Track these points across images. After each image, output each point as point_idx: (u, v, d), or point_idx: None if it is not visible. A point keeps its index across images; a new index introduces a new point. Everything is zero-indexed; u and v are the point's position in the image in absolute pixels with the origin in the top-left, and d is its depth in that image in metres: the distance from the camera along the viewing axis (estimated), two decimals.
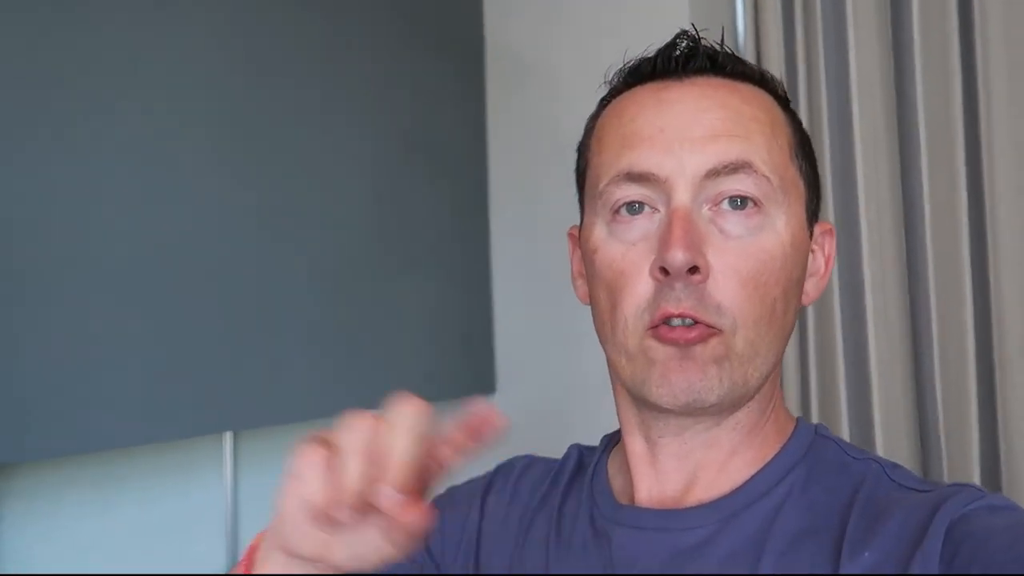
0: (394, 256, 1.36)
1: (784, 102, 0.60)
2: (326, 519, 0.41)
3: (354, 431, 0.41)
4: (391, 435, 0.41)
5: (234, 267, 1.11)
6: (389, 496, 0.40)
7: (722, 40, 0.58)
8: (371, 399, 1.37)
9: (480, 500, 0.67)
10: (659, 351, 0.52)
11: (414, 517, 0.40)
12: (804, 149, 0.59)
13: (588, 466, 0.66)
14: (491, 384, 1.56)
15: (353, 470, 0.40)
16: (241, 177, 1.14)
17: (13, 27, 0.91)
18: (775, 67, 1.40)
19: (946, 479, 1.27)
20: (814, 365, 1.38)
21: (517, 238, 1.59)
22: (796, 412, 1.40)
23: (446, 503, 0.68)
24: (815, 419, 1.38)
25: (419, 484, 0.42)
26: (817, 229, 0.60)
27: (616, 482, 0.63)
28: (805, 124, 1.35)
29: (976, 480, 1.24)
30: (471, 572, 0.64)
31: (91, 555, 1.16)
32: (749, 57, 1.44)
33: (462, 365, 1.50)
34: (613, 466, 0.64)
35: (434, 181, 1.45)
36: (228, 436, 1.32)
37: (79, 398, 0.93)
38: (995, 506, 0.48)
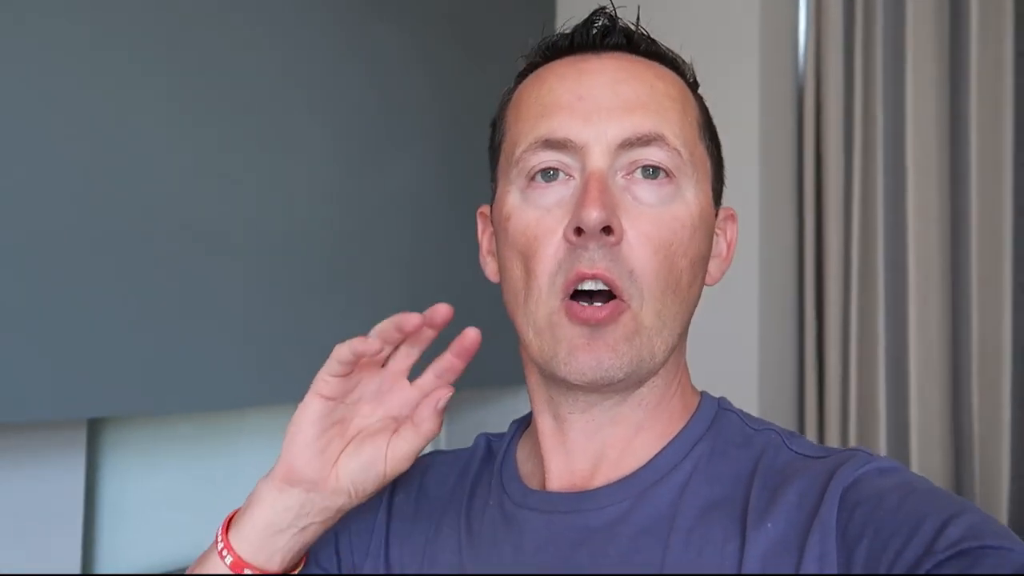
0: (432, 245, 1.40)
1: (693, 86, 0.61)
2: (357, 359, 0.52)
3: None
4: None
5: (297, 250, 1.20)
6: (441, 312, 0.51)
7: (637, 20, 0.60)
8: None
9: (387, 500, 0.66)
10: (567, 329, 0.53)
11: (471, 338, 0.52)
12: (710, 131, 0.60)
13: (497, 454, 0.65)
14: (520, 374, 1.60)
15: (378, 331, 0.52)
16: (302, 157, 1.23)
17: None
18: (833, 92, 1.45)
19: (977, 488, 1.32)
20: (855, 370, 1.44)
21: None
22: (836, 417, 1.46)
23: (354, 508, 0.67)
24: (853, 425, 1.43)
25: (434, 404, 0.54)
26: (721, 213, 0.61)
27: (525, 468, 0.62)
28: (859, 141, 1.42)
29: (1004, 491, 1.28)
30: (382, 573, 0.63)
31: (183, 506, 1.29)
32: (810, 78, 1.49)
33: (491, 353, 1.52)
34: (522, 452, 0.64)
35: (470, 179, 1.47)
36: None
37: (181, 364, 1.04)
38: (884, 468, 0.50)
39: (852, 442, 1.43)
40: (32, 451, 1.03)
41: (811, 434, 1.50)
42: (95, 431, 1.17)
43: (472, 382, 1.52)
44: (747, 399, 1.44)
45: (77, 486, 1.06)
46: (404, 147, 1.35)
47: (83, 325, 0.93)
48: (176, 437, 1.30)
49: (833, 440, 1.45)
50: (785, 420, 1.53)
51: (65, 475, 1.05)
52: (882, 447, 1.40)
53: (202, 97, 1.06)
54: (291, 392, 1.18)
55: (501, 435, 0.68)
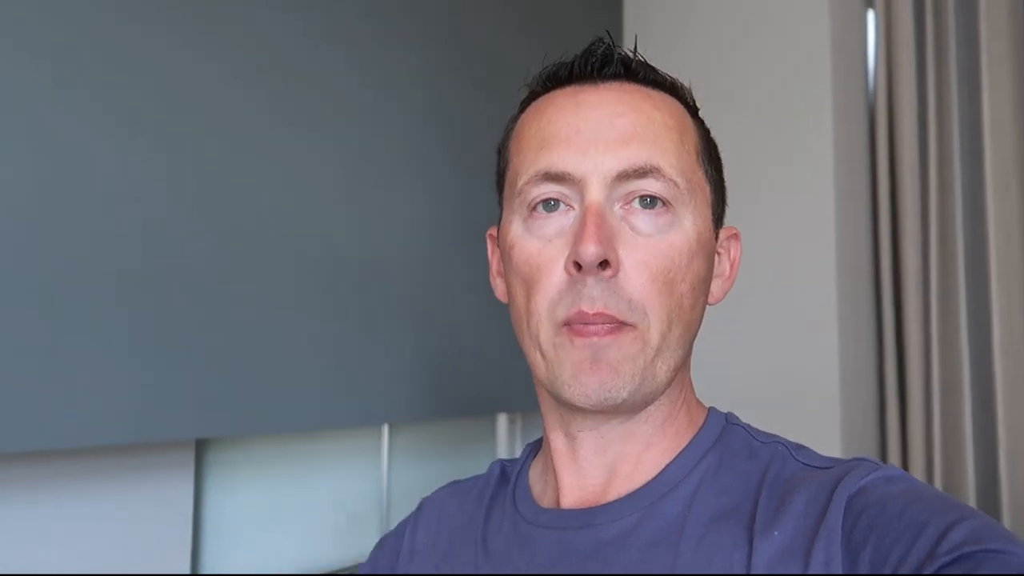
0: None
1: (693, 110, 0.62)
2: None
3: None
4: None
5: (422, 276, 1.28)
6: None
7: (635, 48, 0.60)
8: (485, 403, 1.49)
9: (409, 536, 0.69)
10: (571, 351, 0.54)
11: None
12: (710, 155, 0.61)
13: (511, 477, 0.67)
14: None
15: None
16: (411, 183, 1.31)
17: None
18: (907, 105, 1.44)
19: None
20: (938, 394, 1.41)
21: None
22: (919, 442, 1.43)
23: (379, 552, 0.72)
24: (938, 450, 1.40)
25: None
26: (723, 233, 0.62)
27: (537, 487, 0.64)
28: (934, 157, 1.41)
29: None
30: (396, 574, 0.66)
31: (276, 523, 1.37)
32: (881, 96, 1.49)
33: None
34: (535, 472, 0.65)
35: None
36: (385, 428, 1.51)
37: (278, 386, 1.12)
38: (890, 476, 0.51)
39: (938, 468, 1.39)
40: (143, 471, 1.11)
41: (895, 460, 1.47)
42: (201, 451, 1.25)
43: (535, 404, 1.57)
44: (829, 427, 1.42)
45: (186, 506, 1.14)
46: (482, 175, 1.42)
47: (192, 350, 1.01)
48: (275, 457, 1.37)
49: (918, 466, 1.42)
50: (867, 448, 1.50)
51: (174, 495, 1.13)
52: (969, 472, 1.36)
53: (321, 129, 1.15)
54: (379, 415, 1.25)
55: (515, 460, 0.70)
